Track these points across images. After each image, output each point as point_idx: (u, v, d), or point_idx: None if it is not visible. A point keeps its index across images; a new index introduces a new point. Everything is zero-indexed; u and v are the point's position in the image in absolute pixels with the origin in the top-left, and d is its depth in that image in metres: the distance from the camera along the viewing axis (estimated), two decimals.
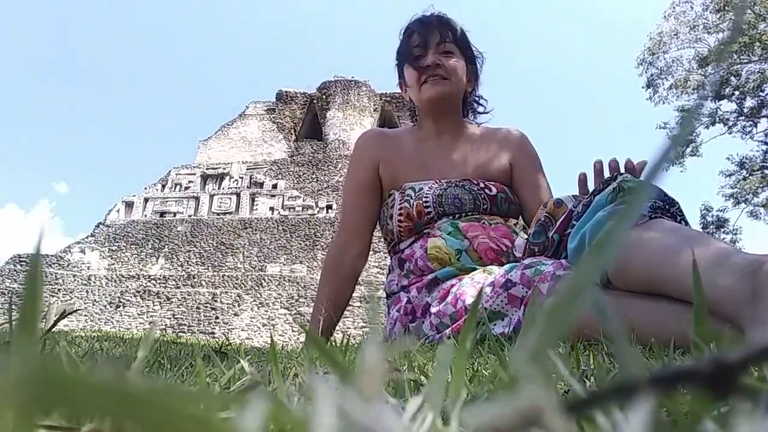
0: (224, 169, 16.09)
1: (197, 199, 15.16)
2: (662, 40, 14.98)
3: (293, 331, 9.91)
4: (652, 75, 15.16)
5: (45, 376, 0.09)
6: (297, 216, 14.09)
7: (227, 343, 0.91)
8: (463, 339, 0.20)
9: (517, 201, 1.41)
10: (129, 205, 15.23)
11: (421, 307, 1.22)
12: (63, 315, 0.45)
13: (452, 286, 1.16)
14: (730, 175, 15.10)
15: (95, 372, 0.10)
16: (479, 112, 1.55)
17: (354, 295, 1.52)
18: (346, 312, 1.48)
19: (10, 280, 11.75)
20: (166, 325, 10.31)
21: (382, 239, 1.48)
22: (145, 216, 14.78)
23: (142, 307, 10.90)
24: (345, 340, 0.55)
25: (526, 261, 1.07)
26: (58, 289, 11.32)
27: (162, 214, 14.86)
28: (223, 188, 15.54)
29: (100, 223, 14.56)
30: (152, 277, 12.14)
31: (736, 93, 14.11)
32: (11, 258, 12.59)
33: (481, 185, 1.35)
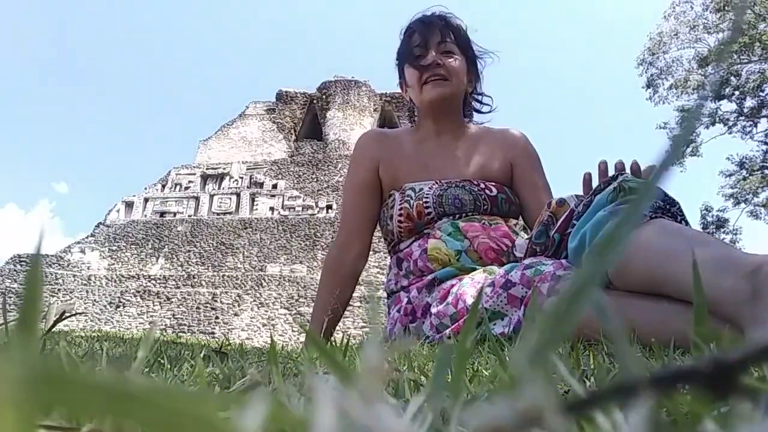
0: (224, 169, 16.09)
1: (197, 199, 15.16)
2: (662, 40, 14.98)
3: (293, 331, 9.91)
4: (652, 75, 15.16)
5: (45, 376, 0.09)
6: (297, 216, 14.09)
7: (227, 343, 0.91)
8: (463, 339, 0.20)
9: (518, 201, 1.41)
10: (129, 205, 15.23)
11: (421, 308, 1.22)
12: (62, 317, 0.45)
13: (452, 286, 1.16)
14: (730, 175, 15.10)
15: (95, 372, 0.10)
16: (482, 111, 1.55)
17: (354, 295, 1.52)
18: (346, 312, 1.49)
19: (10, 280, 11.75)
20: (166, 325, 10.31)
21: (382, 239, 1.48)
22: (145, 216, 14.78)
23: (142, 307, 10.89)
24: (345, 340, 0.55)
25: (526, 261, 1.07)
26: (58, 289, 11.32)
27: (162, 214, 14.85)
28: (223, 188, 15.54)
29: (100, 223, 14.56)
30: (152, 277, 12.14)
31: (736, 93, 14.11)
32: (11, 258, 12.59)
33: (482, 186, 1.35)
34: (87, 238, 13.95)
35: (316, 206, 14.29)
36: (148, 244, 13.61)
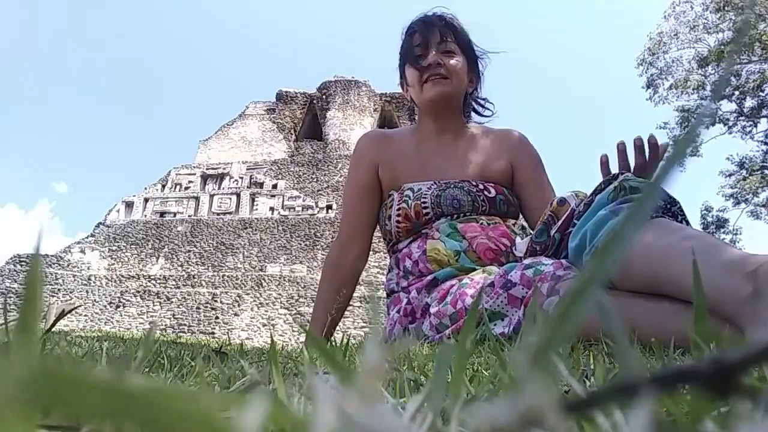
0: (224, 169, 16.09)
1: (197, 199, 15.16)
2: (662, 41, 14.98)
3: (293, 331, 9.91)
4: (652, 75, 15.16)
5: (45, 376, 0.09)
6: (297, 216, 14.09)
7: (227, 343, 0.91)
8: (463, 339, 0.20)
9: (516, 202, 1.41)
10: (129, 205, 15.23)
11: (421, 308, 1.22)
12: (62, 314, 0.45)
13: (452, 286, 1.16)
14: (730, 175, 15.09)
15: (95, 372, 0.10)
16: (483, 114, 1.55)
17: (354, 295, 1.52)
18: (346, 312, 1.51)
19: (10, 280, 11.75)
20: (166, 325, 10.31)
21: (382, 239, 1.48)
22: (145, 216, 14.78)
23: (142, 307, 10.90)
24: (345, 340, 0.55)
25: (526, 261, 1.07)
26: (58, 289, 11.32)
27: (162, 214, 14.86)
28: (223, 188, 15.54)
29: (100, 223, 14.56)
30: (152, 277, 12.14)
31: (736, 93, 14.11)
32: (11, 258, 12.59)
33: (480, 186, 1.35)
34: (87, 238, 13.96)
35: (316, 206, 14.30)
36: (148, 244, 13.61)
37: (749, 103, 14.29)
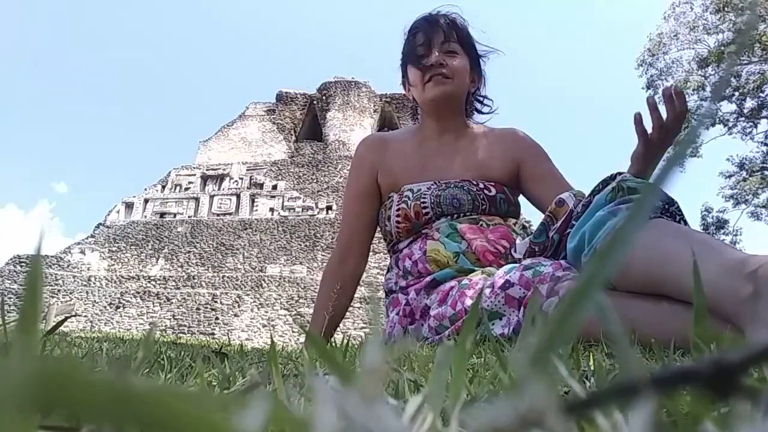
0: (224, 169, 16.09)
1: (197, 199, 15.17)
2: (662, 41, 14.98)
3: (293, 332, 9.91)
4: (652, 76, 15.16)
5: (45, 376, 0.09)
6: (297, 217, 14.09)
7: (227, 343, 0.91)
8: (463, 339, 0.20)
9: (517, 201, 1.41)
10: (129, 206, 15.24)
11: (420, 310, 1.22)
12: (64, 319, 0.45)
13: (451, 288, 1.16)
14: (730, 176, 15.10)
15: (95, 373, 0.10)
16: (483, 112, 1.55)
17: (354, 295, 1.52)
18: (346, 313, 1.52)
19: (10, 281, 11.75)
20: (166, 326, 10.31)
21: (382, 239, 1.49)
22: (145, 217, 14.78)
23: (142, 308, 10.89)
24: (345, 341, 0.55)
25: (525, 262, 1.07)
26: (58, 290, 11.32)
27: (162, 214, 14.86)
28: (223, 189, 15.55)
29: (100, 223, 14.57)
30: (152, 278, 12.14)
31: (736, 94, 14.12)
32: (11, 259, 12.59)
33: (480, 186, 1.34)
34: (87, 238, 13.96)
35: (316, 207, 14.30)
36: (148, 245, 13.61)
37: (749, 104, 14.30)
